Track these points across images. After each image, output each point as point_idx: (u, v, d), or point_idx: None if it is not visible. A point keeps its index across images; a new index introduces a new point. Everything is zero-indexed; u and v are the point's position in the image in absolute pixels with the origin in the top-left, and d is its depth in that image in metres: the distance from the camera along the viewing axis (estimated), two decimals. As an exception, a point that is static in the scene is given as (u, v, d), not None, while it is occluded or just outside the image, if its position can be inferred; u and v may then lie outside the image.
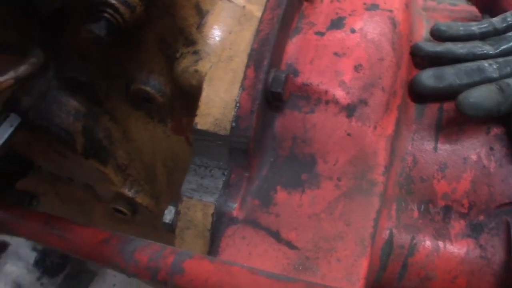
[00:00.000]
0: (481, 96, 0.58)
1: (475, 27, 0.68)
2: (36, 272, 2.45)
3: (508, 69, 0.62)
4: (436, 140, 0.64)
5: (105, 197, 0.82)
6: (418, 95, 0.65)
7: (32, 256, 2.49)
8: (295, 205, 0.56)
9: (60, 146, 0.74)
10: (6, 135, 0.67)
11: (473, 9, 0.80)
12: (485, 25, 0.68)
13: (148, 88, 0.66)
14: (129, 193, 0.78)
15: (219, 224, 0.56)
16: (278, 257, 0.53)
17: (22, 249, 2.54)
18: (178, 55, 0.62)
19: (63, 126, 0.72)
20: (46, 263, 2.44)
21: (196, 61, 0.60)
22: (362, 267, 0.51)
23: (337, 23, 0.64)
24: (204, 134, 0.57)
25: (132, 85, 0.67)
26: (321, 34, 0.63)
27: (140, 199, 0.79)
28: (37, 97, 0.70)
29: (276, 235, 0.54)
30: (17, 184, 0.87)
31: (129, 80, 0.68)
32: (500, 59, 0.64)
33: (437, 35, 0.68)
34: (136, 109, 0.71)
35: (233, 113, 0.56)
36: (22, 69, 0.48)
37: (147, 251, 0.52)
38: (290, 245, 0.53)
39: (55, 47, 0.68)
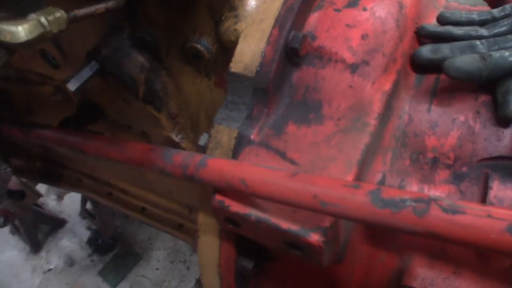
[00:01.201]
0: (463, 62, 0.70)
1: (476, 15, 0.79)
2: (88, 249, 2.68)
3: (496, 47, 0.73)
4: (430, 103, 0.76)
5: (156, 142, 1.00)
6: (417, 65, 0.78)
7: (86, 234, 2.73)
8: (301, 135, 0.70)
9: (126, 92, 0.92)
10: (87, 75, 0.86)
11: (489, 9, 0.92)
12: (485, 13, 0.79)
13: (198, 46, 0.84)
14: (176, 138, 0.95)
15: (240, 145, 0.71)
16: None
17: (78, 227, 2.79)
18: (223, 18, 0.79)
19: (130, 75, 0.90)
20: (98, 242, 2.66)
21: (236, 23, 0.78)
22: (347, 181, 0.65)
23: (353, 3, 0.79)
24: (236, 76, 0.73)
25: (186, 44, 0.85)
26: (338, 10, 0.78)
27: (185, 144, 0.96)
28: (113, 50, 0.90)
29: (282, 155, 0.69)
30: (88, 127, 1.07)
31: (185, 40, 0.86)
32: (491, 39, 0.74)
33: (442, 20, 0.81)
34: (188, 65, 0.89)
35: (259, 60, 0.72)
36: (111, 3, 0.66)
37: (182, 154, 0.68)
38: (292, 162, 0.67)
39: (129, 12, 0.88)
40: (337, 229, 0.62)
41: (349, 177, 0.65)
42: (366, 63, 0.74)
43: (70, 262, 2.65)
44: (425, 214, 0.46)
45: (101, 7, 0.64)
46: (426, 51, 0.76)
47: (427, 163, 0.74)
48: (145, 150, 0.73)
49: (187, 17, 0.84)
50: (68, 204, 2.83)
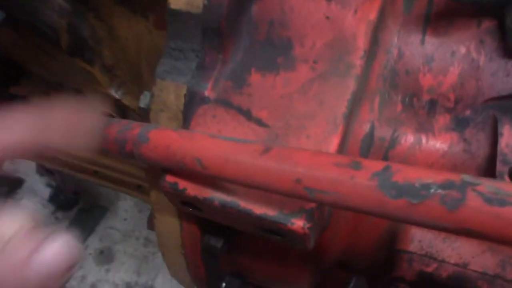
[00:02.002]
0: None
1: None
2: (50, 207, 2.53)
3: None
4: (424, 33, 0.62)
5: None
6: (406, -15, 0.62)
7: (46, 192, 2.57)
8: (268, 86, 0.55)
9: (46, 44, 0.74)
10: (-12, 27, 0.67)
11: None
12: None
13: (127, -23, 0.65)
14: (116, 94, 0.78)
15: (191, 104, 0.55)
16: (247, 134, 0.52)
17: (37, 185, 2.62)
18: None
19: (48, 22, 0.71)
20: (60, 198, 2.51)
21: None
22: (332, 144, 0.50)
23: None
24: (177, 14, 0.56)
25: (112, -24, 0.66)
26: None
27: (127, 101, 0.79)
28: (20, -9, 0.70)
29: (246, 113, 0.53)
30: (11, 90, 0.88)
31: (110, -29, 0.67)
32: None
33: None
34: (119, 4, 0.70)
35: (205, -10, 0.54)
36: None
37: (117, 126, 0.52)
38: (260, 122, 0.53)
39: None
40: (323, 208, 0.49)
41: (335, 139, 0.51)
42: (344, -15, 0.57)
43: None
44: (460, 206, 0.32)
45: None
46: None
47: (423, 107, 0.61)
48: (69, 122, 0.56)
49: None
50: (23, 162, 2.64)
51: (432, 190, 0.34)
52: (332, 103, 0.53)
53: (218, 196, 0.48)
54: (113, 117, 0.82)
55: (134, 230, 2.39)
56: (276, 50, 0.57)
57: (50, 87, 0.88)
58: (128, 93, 0.78)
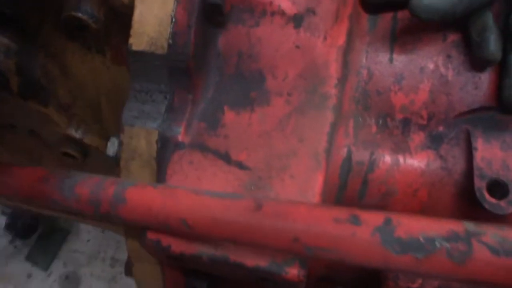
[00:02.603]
0: None
1: None
2: (7, 236, 2.41)
3: None
4: (391, 51, 0.61)
5: (52, 142, 0.78)
6: (370, 5, 0.61)
7: (1, 220, 2.44)
8: (245, 124, 0.53)
9: (-7, 87, 0.68)
10: None
11: None
12: None
13: (79, 14, 0.60)
14: (76, 134, 0.73)
15: (165, 150, 0.52)
16: (229, 179, 0.50)
17: (-9, 213, 2.48)
18: (106, -28, 0.56)
19: (-7, 65, 0.66)
20: (17, 225, 2.39)
21: (125, -23, 0.55)
22: (317, 182, 0.49)
23: None
24: (140, 55, 0.52)
25: (62, 13, 0.61)
26: None
27: (89, 140, 0.74)
28: (-41, 35, 0.64)
29: (225, 157, 0.51)
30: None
31: (60, 8, 0.62)
32: None
33: None
34: (71, 40, 0.66)
35: (169, 29, 0.51)
36: None
37: (87, 184, 0.49)
38: (240, 165, 0.50)
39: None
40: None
41: (319, 175, 0.50)
42: (311, 11, 0.56)
43: (-9, 253, 2.38)
44: (467, 259, 0.31)
45: None
46: None
47: (397, 126, 0.61)
48: (34, 181, 0.52)
49: (55, -25, 0.60)
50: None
51: (437, 244, 0.33)
52: (312, 138, 0.51)
53: (206, 251, 0.46)
54: (76, 158, 0.77)
55: (99, 251, 2.31)
56: (248, 84, 0.55)
57: (3, 129, 0.82)
58: (89, 131, 0.74)
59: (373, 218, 0.35)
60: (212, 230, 0.40)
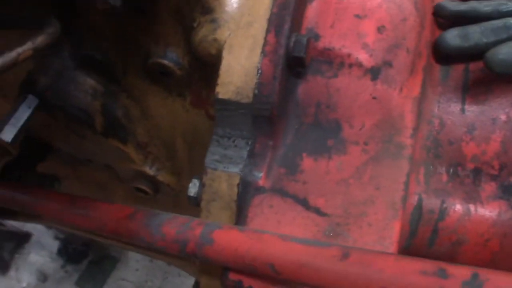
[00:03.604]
0: (510, 52, 0.56)
1: None
2: (59, 260, 2.48)
3: None
4: (463, 102, 0.62)
5: (126, 177, 0.82)
6: (442, 56, 0.63)
7: (55, 245, 2.52)
8: (322, 171, 0.55)
9: (79, 126, 0.73)
10: (25, 117, 0.67)
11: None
12: None
13: (165, 62, 0.65)
14: (150, 171, 0.77)
15: (245, 194, 0.55)
16: (308, 225, 0.52)
17: (45, 238, 2.57)
18: (195, 24, 0.60)
19: (81, 106, 0.71)
20: (69, 251, 2.46)
21: (215, 29, 0.59)
22: (394, 231, 0.50)
23: (357, -15, 0.62)
24: (226, 103, 0.56)
25: (149, 59, 0.66)
26: (340, -3, 0.61)
27: (162, 177, 0.78)
28: (53, 77, 0.70)
29: (304, 203, 0.53)
30: (38, 167, 0.87)
31: (146, 55, 0.67)
32: None
33: None
34: (153, 84, 0.70)
35: (255, 80, 0.55)
36: (40, 39, 0.47)
37: (174, 224, 0.51)
38: (319, 212, 0.52)
39: (68, 25, 0.67)
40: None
41: (396, 224, 0.51)
42: (388, 64, 0.58)
43: (43, 277, 2.46)
44: None
45: (26, 49, 0.44)
46: (453, 37, 0.61)
47: (467, 176, 0.61)
48: (122, 218, 0.55)
49: (145, 25, 0.64)
50: (28, 215, 2.59)
51: None
52: (388, 187, 0.53)
53: (288, 294, 0.47)
54: (147, 193, 0.81)
55: (146, 280, 2.35)
56: (325, 133, 0.57)
57: (79, 163, 0.87)
58: (163, 169, 0.78)
59: (461, 272, 0.36)
60: (299, 276, 0.42)
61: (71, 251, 2.46)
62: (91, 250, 2.47)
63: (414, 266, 0.38)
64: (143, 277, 2.37)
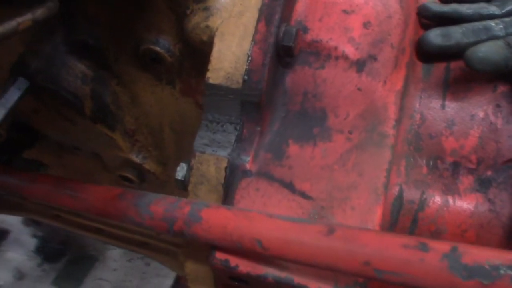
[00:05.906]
0: (489, 51, 0.59)
1: None
2: (37, 259, 2.45)
3: None
4: (444, 98, 0.65)
5: (112, 165, 0.83)
6: (425, 54, 0.66)
7: (32, 243, 2.49)
8: (308, 157, 0.56)
9: (69, 110, 0.74)
10: (14, 98, 0.67)
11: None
12: None
13: (157, 48, 0.66)
14: (136, 159, 0.78)
15: (233, 177, 0.56)
16: (293, 207, 0.53)
17: (23, 236, 2.53)
18: (188, 11, 0.62)
19: (71, 90, 0.72)
20: (47, 249, 2.43)
21: (207, 17, 0.61)
22: (376, 215, 0.52)
23: (345, -18, 0.64)
24: (216, 88, 0.57)
25: (141, 46, 0.67)
26: (329, -8, 0.63)
27: (148, 165, 0.79)
28: (45, 61, 0.70)
29: (290, 186, 0.55)
30: (24, 154, 0.88)
31: (138, 41, 0.68)
32: (506, 19, 0.64)
33: None
34: (144, 71, 0.71)
35: (245, 66, 0.56)
36: (40, 11, 0.48)
37: (162, 203, 0.53)
38: (304, 195, 0.54)
39: (63, 10, 0.68)
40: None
41: (378, 209, 0.53)
42: (373, 58, 0.60)
43: (20, 275, 2.42)
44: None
45: (26, 19, 0.45)
46: (436, 36, 0.64)
47: (447, 169, 0.63)
48: (110, 198, 0.56)
49: (138, 12, 0.66)
50: (7, 213, 2.55)
51: (502, 272, 0.35)
52: (371, 174, 0.55)
53: (271, 273, 0.49)
54: (132, 182, 0.82)
55: (124, 280, 2.33)
56: (311, 121, 0.59)
57: (65, 151, 0.88)
58: (149, 157, 0.79)
59: (440, 246, 0.38)
60: (285, 251, 0.43)
61: (49, 250, 2.43)
62: (69, 249, 2.44)
63: (396, 241, 0.39)
64: (121, 277, 2.35)
